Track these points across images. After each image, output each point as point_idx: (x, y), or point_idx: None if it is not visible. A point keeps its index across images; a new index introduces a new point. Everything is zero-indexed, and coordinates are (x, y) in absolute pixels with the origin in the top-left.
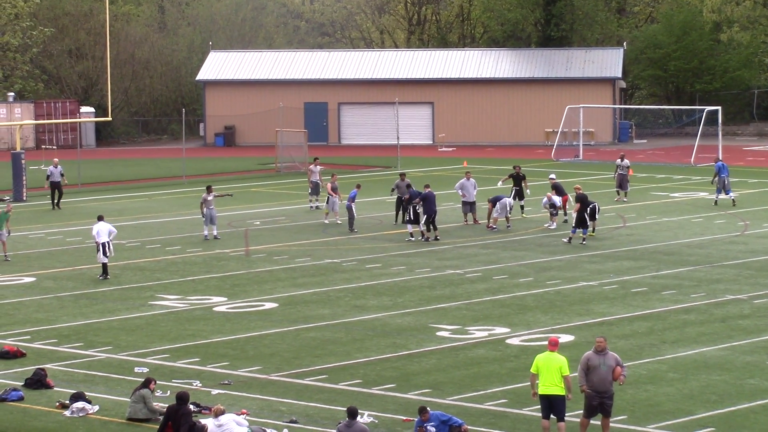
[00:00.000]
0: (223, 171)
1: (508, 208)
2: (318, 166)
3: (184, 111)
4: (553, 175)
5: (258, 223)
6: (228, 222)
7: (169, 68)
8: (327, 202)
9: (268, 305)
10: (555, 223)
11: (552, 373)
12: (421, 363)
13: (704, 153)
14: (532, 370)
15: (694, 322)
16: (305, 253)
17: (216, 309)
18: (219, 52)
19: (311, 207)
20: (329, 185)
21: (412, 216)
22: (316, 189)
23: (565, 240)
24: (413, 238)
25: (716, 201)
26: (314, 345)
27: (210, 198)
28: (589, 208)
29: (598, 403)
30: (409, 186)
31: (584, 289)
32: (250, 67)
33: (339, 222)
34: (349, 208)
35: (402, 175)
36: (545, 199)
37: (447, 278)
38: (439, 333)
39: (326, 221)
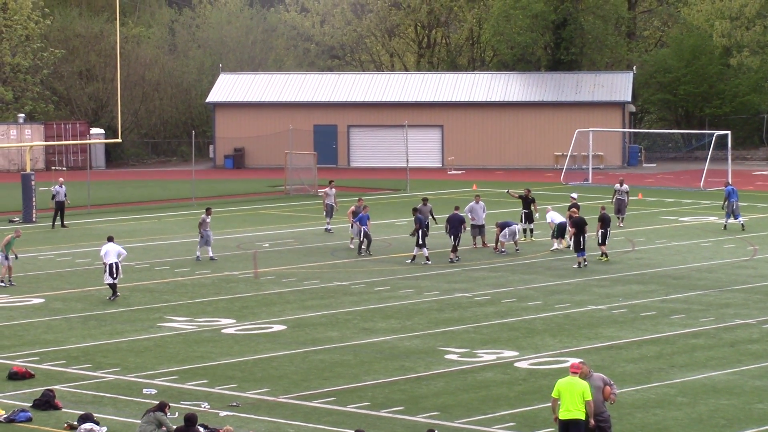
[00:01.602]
0: (232, 193)
1: (516, 235)
2: (333, 189)
3: (193, 133)
4: (574, 195)
5: (267, 245)
6: (237, 244)
7: (179, 90)
8: (351, 227)
9: (277, 327)
10: (558, 244)
11: (574, 398)
12: (429, 386)
13: (714, 177)
14: (554, 394)
15: (703, 347)
16: (314, 276)
17: (224, 331)
18: (229, 74)
19: (327, 229)
20: (352, 209)
21: (420, 240)
22: (330, 212)
23: (574, 266)
24: (409, 261)
25: (725, 225)
26: (322, 367)
27: (208, 220)
28: (600, 233)
29: (595, 427)
30: (431, 211)
31: (593, 312)
32: (260, 89)
33: (351, 246)
34: (359, 231)
35: (425, 200)
36: (547, 217)
37: (455, 301)
38: (447, 356)
39: (351, 246)
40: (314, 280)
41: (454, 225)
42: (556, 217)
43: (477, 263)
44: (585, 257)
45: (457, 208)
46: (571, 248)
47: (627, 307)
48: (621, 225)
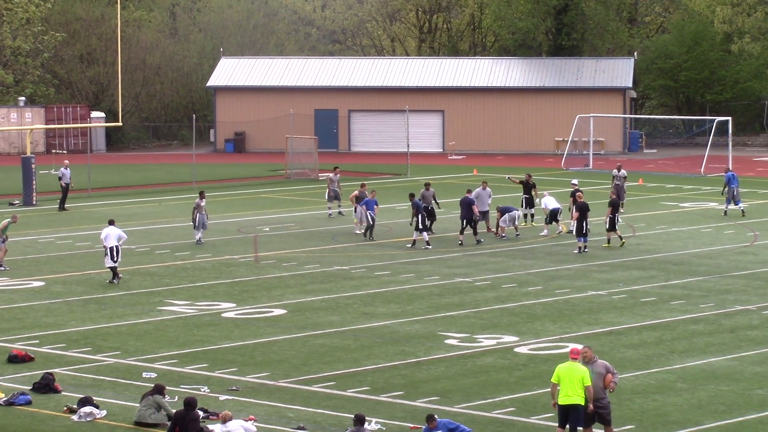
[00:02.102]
0: (232, 177)
1: (517, 221)
2: (338, 175)
3: (194, 117)
4: (575, 181)
5: (267, 229)
6: (237, 228)
7: (180, 74)
8: (355, 212)
9: (277, 311)
10: (546, 230)
11: (574, 383)
12: (429, 371)
13: (714, 163)
14: (553, 379)
15: (702, 333)
16: (314, 260)
17: (224, 315)
18: (230, 58)
19: (330, 214)
20: (354, 193)
21: (420, 224)
22: (336, 197)
23: (575, 251)
24: (410, 246)
25: (726, 211)
26: (322, 352)
27: (202, 204)
28: (608, 218)
29: (593, 412)
30: (434, 196)
31: (593, 298)
32: (261, 73)
33: (357, 232)
34: (366, 215)
35: (427, 185)
36: (542, 203)
37: (456, 286)
38: (447, 341)
39: (357, 231)
40: (314, 264)
41: (464, 207)
42: (550, 202)
43: (477, 248)
44: (586, 243)
45: (469, 192)
46: (573, 232)
47: (627, 292)
48: (622, 210)
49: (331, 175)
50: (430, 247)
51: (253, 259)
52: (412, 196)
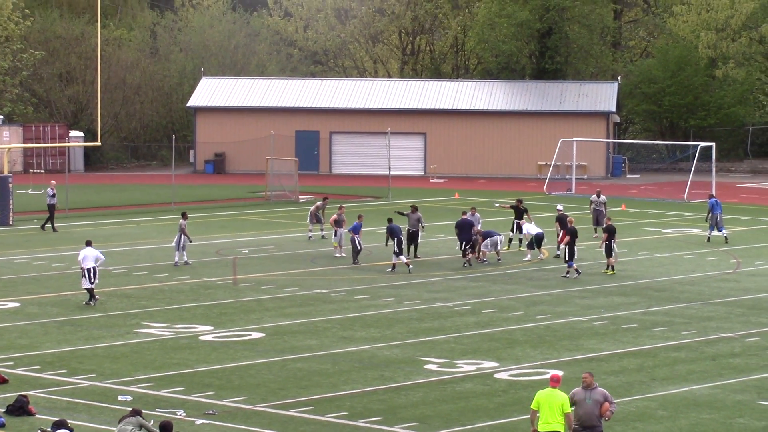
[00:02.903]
0: (212, 198)
1: (499, 245)
2: (326, 204)
3: (174, 137)
4: (560, 206)
5: (246, 251)
6: (216, 250)
7: (160, 94)
8: (335, 235)
9: (255, 335)
10: (529, 255)
11: (553, 410)
12: (408, 396)
13: (698, 189)
14: (533, 406)
15: (684, 360)
16: (293, 283)
17: (202, 338)
18: (211, 78)
19: (310, 237)
20: (334, 217)
21: (396, 247)
22: (318, 220)
23: (571, 275)
24: (390, 270)
25: (709, 238)
26: (300, 376)
27: (184, 224)
28: (604, 244)
29: None
30: (419, 220)
31: (574, 324)
32: (242, 94)
33: (343, 255)
34: (352, 241)
35: (414, 208)
36: (524, 228)
37: (436, 311)
38: (427, 366)
39: (337, 254)
40: (294, 287)
41: (465, 230)
42: (531, 228)
43: (458, 273)
44: (576, 267)
45: (464, 213)
46: (562, 257)
47: (608, 318)
48: (596, 235)
49: (319, 202)
50: (410, 267)
51: (232, 282)
52: (389, 221)
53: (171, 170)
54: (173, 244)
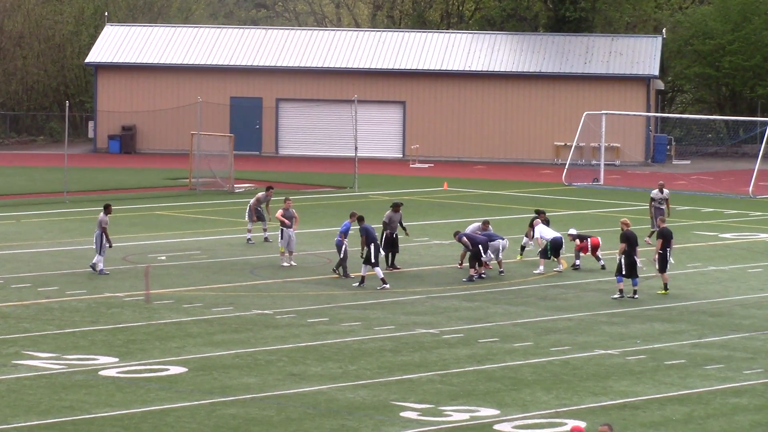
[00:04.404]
0: (118, 187)
1: (501, 251)
2: (269, 197)
3: (68, 104)
4: (573, 231)
5: (164, 258)
6: (123, 256)
7: (49, 46)
8: (281, 237)
9: (174, 370)
10: (542, 267)
11: None
12: None
13: (767, 181)
14: None
15: (746, 408)
16: (226, 301)
17: (103, 373)
18: (117, 26)
19: (249, 239)
20: (280, 212)
21: (373, 257)
22: (260, 217)
23: (615, 296)
24: (357, 285)
25: None
26: (235, 425)
27: (106, 221)
28: (657, 254)
29: None
30: (401, 221)
31: (601, 359)
32: (159, 47)
33: (293, 264)
34: (339, 245)
35: (396, 206)
36: (536, 232)
37: (417, 340)
38: (404, 413)
39: (284, 263)
40: (226, 306)
41: (479, 243)
42: (545, 231)
43: (447, 289)
44: (636, 287)
45: (487, 223)
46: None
47: (647, 352)
48: (648, 240)
49: (260, 194)
50: (387, 286)
51: (144, 299)
52: (361, 220)
53: (63, 148)
54: (94, 245)
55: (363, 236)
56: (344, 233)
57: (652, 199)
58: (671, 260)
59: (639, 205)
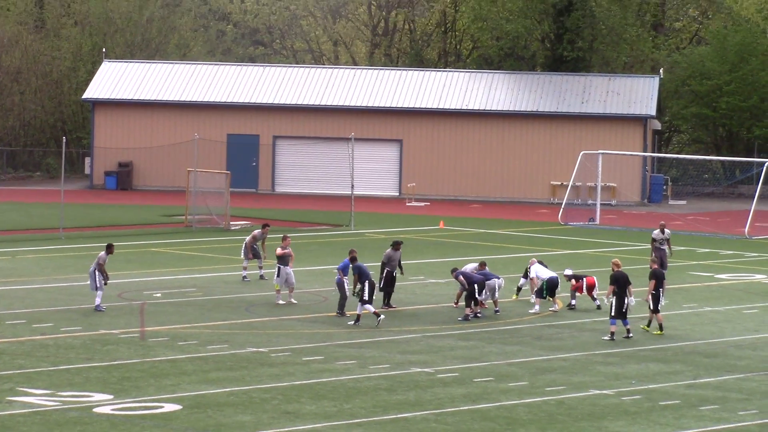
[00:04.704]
0: (114, 223)
1: (497, 290)
2: (265, 234)
3: (65, 140)
4: (568, 271)
5: (159, 294)
6: (118, 293)
7: (46, 82)
8: (278, 275)
9: (169, 407)
10: (539, 306)
11: None
12: None
13: (763, 221)
14: None
15: None
16: (221, 338)
17: (97, 410)
18: (115, 62)
19: (244, 277)
20: (279, 251)
21: (367, 295)
22: (256, 255)
23: (605, 338)
24: (352, 323)
25: None
26: None
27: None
28: (650, 294)
29: None
30: (399, 261)
31: (596, 399)
32: (156, 84)
33: (293, 301)
34: (340, 284)
35: (396, 245)
36: (531, 271)
37: (412, 378)
38: None
39: (280, 301)
40: (221, 344)
41: (477, 282)
42: (541, 271)
43: (443, 328)
44: (627, 326)
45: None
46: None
47: (642, 392)
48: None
49: (257, 231)
50: (382, 317)
51: (139, 336)
52: (354, 259)
53: (60, 184)
54: (95, 283)
55: (356, 274)
56: (342, 270)
57: (653, 240)
58: (663, 301)
59: (635, 245)
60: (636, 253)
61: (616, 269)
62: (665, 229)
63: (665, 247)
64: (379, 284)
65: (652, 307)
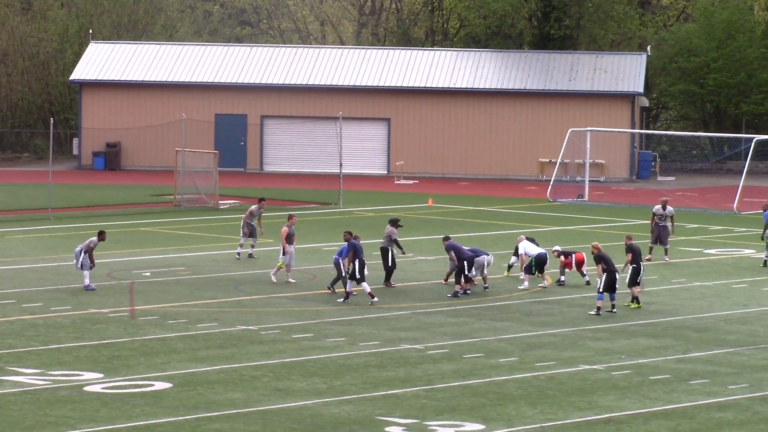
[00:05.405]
0: (103, 203)
1: (486, 267)
2: (262, 209)
3: (52, 121)
4: (557, 247)
5: (148, 274)
6: (107, 272)
7: (33, 63)
8: (283, 254)
9: (159, 385)
10: (528, 283)
11: None
12: None
13: (751, 196)
14: None
15: (732, 423)
16: (211, 317)
17: (88, 389)
18: (102, 43)
19: (238, 255)
20: (285, 229)
21: (358, 272)
22: (252, 233)
23: (592, 312)
24: (342, 300)
25: (766, 261)
26: None
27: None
28: (630, 268)
29: None
30: (396, 239)
31: (586, 374)
32: (143, 64)
33: (292, 281)
34: (337, 264)
35: (394, 222)
36: (520, 248)
37: (401, 355)
38: (389, 429)
39: (290, 279)
40: (211, 322)
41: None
42: (530, 247)
43: (432, 304)
44: (613, 301)
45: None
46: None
47: (632, 367)
48: (666, 258)
49: (253, 207)
50: (376, 300)
51: (128, 314)
52: (349, 235)
53: (48, 165)
54: (78, 263)
55: (351, 252)
56: (341, 254)
57: (654, 215)
58: (642, 276)
59: (624, 221)
60: (625, 229)
61: (596, 251)
62: (667, 206)
63: (667, 223)
64: (387, 263)
65: (628, 281)
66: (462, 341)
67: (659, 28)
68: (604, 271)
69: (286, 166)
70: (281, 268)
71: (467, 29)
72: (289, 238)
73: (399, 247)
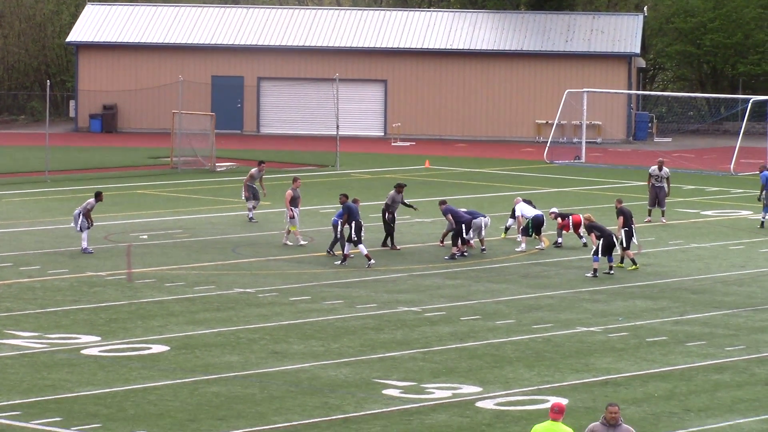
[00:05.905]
0: (99, 166)
1: (483, 229)
2: (262, 171)
3: (48, 83)
4: (554, 209)
5: (145, 237)
6: (104, 235)
7: (30, 25)
8: (290, 218)
9: (157, 348)
10: (524, 244)
11: None
12: (361, 431)
13: (748, 157)
14: None
15: (728, 385)
16: (208, 280)
17: (85, 352)
18: (98, 5)
19: (251, 218)
20: (289, 192)
21: (354, 234)
22: (255, 196)
23: (588, 274)
24: (339, 263)
25: (763, 222)
26: (217, 403)
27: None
28: (622, 231)
29: None
30: (403, 200)
31: (583, 336)
32: (140, 26)
33: (289, 244)
34: (335, 225)
35: (399, 187)
36: (516, 210)
37: (399, 318)
38: (386, 391)
39: (302, 241)
40: (209, 285)
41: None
42: (527, 209)
43: (429, 267)
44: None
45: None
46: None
47: (629, 329)
48: (663, 220)
49: (253, 170)
50: (372, 262)
51: (126, 277)
52: (344, 197)
53: (45, 128)
54: (77, 225)
55: (346, 214)
56: (339, 216)
57: (650, 176)
58: (636, 239)
59: (621, 183)
60: (622, 191)
61: (588, 222)
62: (663, 167)
63: (663, 184)
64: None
65: (625, 244)
66: (459, 303)
67: None
68: (598, 238)
69: (282, 128)
70: (291, 231)
71: None
72: (294, 201)
73: (410, 206)
